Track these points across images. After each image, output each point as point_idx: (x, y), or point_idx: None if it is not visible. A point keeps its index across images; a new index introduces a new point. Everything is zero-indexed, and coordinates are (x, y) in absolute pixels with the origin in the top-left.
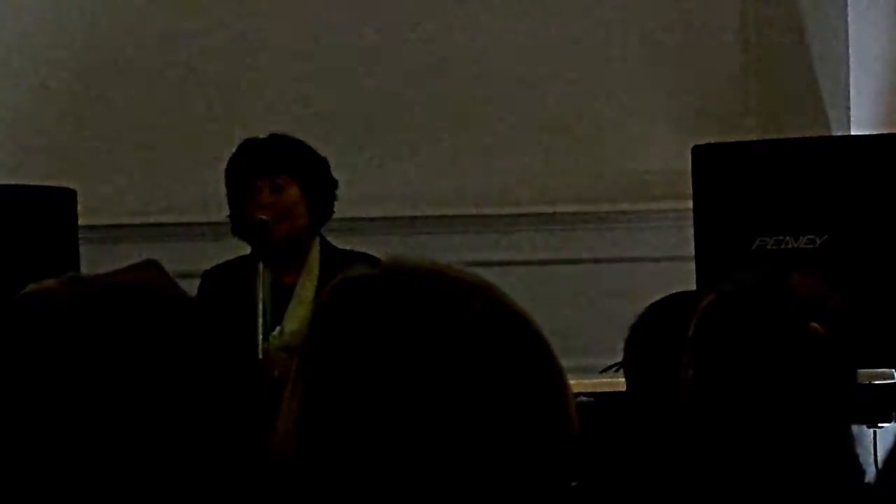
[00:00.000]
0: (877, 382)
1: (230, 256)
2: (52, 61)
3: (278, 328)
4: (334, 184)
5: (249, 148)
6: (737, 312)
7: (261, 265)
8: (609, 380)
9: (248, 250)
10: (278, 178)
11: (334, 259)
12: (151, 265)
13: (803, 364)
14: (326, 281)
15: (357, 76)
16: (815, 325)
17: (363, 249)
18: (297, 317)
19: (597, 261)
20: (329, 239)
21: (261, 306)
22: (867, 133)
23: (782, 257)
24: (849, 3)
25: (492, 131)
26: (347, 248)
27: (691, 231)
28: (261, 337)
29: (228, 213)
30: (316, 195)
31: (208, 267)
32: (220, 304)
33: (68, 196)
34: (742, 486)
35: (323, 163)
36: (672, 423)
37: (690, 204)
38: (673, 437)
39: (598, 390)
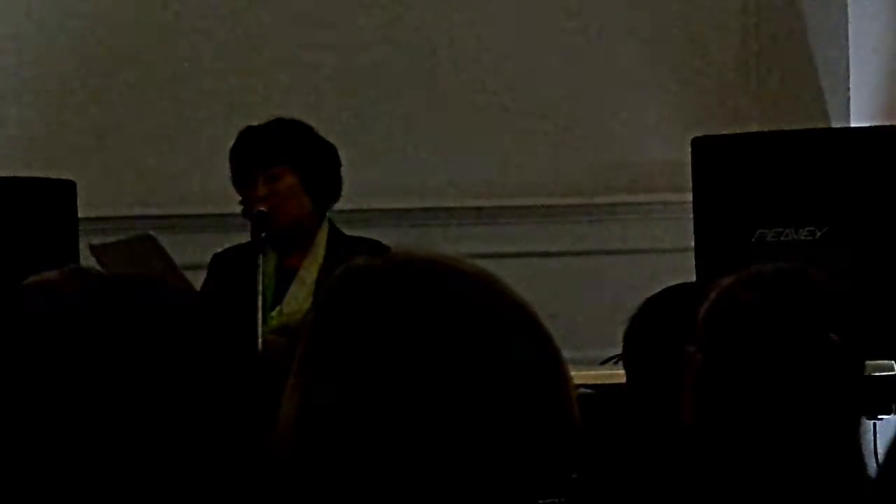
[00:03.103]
0: (877, 374)
1: (230, 246)
2: (52, 53)
3: (277, 308)
4: (336, 166)
5: (247, 137)
6: (753, 303)
7: (260, 258)
8: (609, 371)
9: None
10: (273, 169)
11: (341, 244)
12: (148, 240)
13: (817, 368)
14: (331, 265)
15: (359, 68)
16: (833, 335)
17: None
18: (297, 298)
19: (597, 252)
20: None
21: (260, 299)
22: (867, 125)
23: (782, 249)
24: None
25: (491, 124)
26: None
27: (691, 223)
28: (260, 328)
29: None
30: (314, 180)
31: (208, 259)
32: (227, 287)
33: (68, 188)
34: (745, 478)
35: (322, 146)
36: (671, 415)
37: (690, 196)
38: (672, 428)
39: (598, 382)
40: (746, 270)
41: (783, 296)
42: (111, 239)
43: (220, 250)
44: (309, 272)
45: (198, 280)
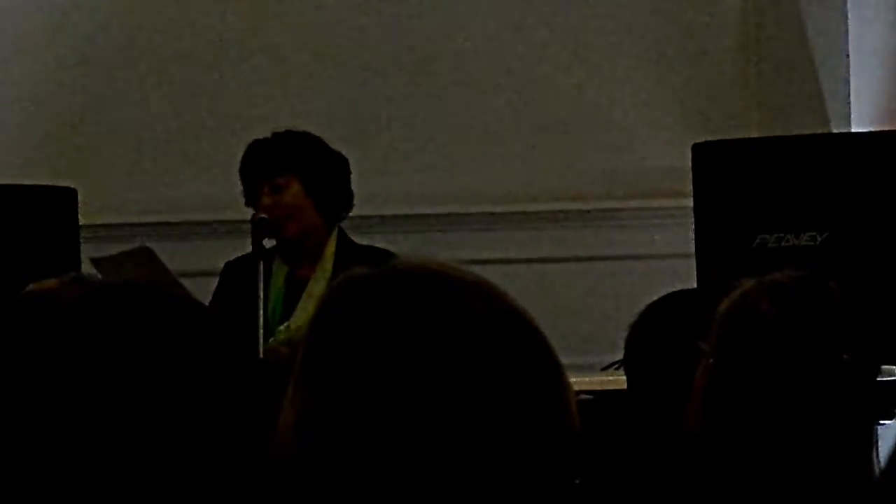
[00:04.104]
0: (878, 379)
1: (231, 256)
2: (53, 60)
3: (286, 323)
4: (344, 176)
5: (252, 150)
6: (772, 315)
7: (261, 265)
8: (610, 378)
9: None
10: (278, 179)
11: (350, 255)
12: (146, 252)
13: (831, 386)
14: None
15: (359, 75)
16: (846, 356)
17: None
18: (305, 311)
19: (597, 258)
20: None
21: (261, 306)
22: (867, 130)
23: (783, 255)
24: None
25: (492, 129)
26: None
27: (692, 228)
28: (261, 335)
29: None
30: (320, 189)
31: (209, 266)
32: (236, 295)
33: (69, 195)
34: (749, 485)
35: (328, 156)
36: (673, 421)
37: (691, 201)
38: (674, 434)
39: (599, 388)
40: (767, 276)
41: (804, 310)
42: (111, 250)
43: (232, 258)
44: (317, 284)
45: (198, 287)
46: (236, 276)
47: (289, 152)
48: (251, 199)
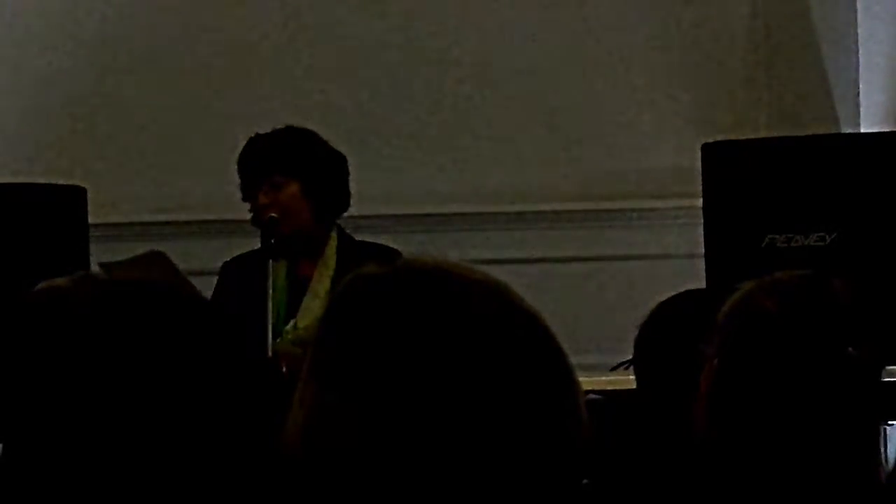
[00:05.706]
0: (886, 380)
1: (240, 254)
2: (62, 60)
3: (292, 322)
4: (342, 176)
5: (252, 146)
6: (775, 312)
7: (270, 263)
8: (619, 378)
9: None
10: (276, 178)
11: (351, 252)
12: (158, 256)
13: (835, 382)
14: (342, 274)
15: (365, 74)
16: (851, 349)
17: None
18: (310, 311)
19: (606, 258)
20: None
21: (270, 304)
22: (877, 130)
23: (792, 255)
24: None
25: (501, 128)
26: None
27: (701, 228)
28: (271, 334)
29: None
30: (318, 190)
31: (218, 264)
32: (237, 296)
33: (78, 194)
34: (757, 485)
35: (327, 155)
36: (682, 421)
37: (700, 201)
38: (683, 434)
39: (608, 388)
40: (769, 276)
41: (806, 307)
42: (120, 248)
43: (229, 259)
44: (321, 283)
45: (209, 285)
46: (236, 276)
47: (290, 152)
48: (248, 193)
